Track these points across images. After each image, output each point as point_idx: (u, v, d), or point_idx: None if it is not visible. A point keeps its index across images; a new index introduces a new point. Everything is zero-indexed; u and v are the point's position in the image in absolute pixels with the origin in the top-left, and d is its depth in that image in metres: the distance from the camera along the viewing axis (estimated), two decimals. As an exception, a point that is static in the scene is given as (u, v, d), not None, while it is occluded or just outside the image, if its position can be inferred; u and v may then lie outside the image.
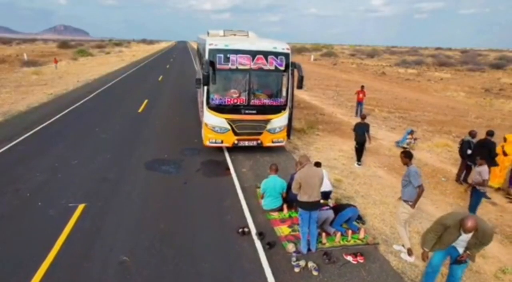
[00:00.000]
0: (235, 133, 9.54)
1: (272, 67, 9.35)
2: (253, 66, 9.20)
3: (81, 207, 6.78)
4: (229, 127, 9.46)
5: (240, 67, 9.15)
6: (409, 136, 12.33)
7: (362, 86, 17.41)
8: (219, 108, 9.36)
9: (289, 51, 9.47)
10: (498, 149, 8.99)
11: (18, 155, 9.61)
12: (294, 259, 5.27)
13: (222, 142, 9.66)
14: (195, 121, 13.66)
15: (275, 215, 6.72)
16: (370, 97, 24.37)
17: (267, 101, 9.60)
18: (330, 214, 6.07)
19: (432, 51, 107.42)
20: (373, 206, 7.74)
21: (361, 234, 6.08)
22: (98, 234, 5.92)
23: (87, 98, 18.73)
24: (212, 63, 9.04)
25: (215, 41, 9.20)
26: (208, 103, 9.37)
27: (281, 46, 9.43)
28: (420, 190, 5.41)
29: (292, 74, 9.93)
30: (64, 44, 79.11)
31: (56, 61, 35.40)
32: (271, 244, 5.70)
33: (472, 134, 9.28)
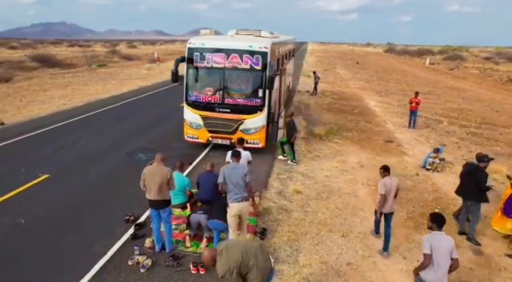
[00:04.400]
0: (208, 131, 9.73)
1: (247, 66, 9.16)
2: (227, 65, 9.21)
3: (44, 177, 8.22)
4: (202, 124, 9.72)
5: (215, 65, 9.29)
6: (433, 155, 10.12)
7: (417, 93, 14.96)
8: (195, 105, 9.71)
9: (266, 50, 9.10)
10: (507, 187, 6.74)
11: (55, 134, 11.97)
12: (136, 252, 5.32)
13: (197, 138, 9.98)
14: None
15: (178, 211, 6.75)
16: (459, 108, 20.55)
17: (241, 100, 9.45)
18: (201, 218, 5.78)
19: None
20: (300, 224, 6.89)
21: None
22: (30, 199, 7.15)
23: (154, 92, 21.54)
24: (191, 61, 9.46)
25: (195, 40, 9.57)
26: (186, 99, 9.83)
27: (258, 45, 9.13)
28: None
29: (279, 75, 9.53)
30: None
31: (158, 60, 41.09)
32: (137, 236, 5.85)
33: (478, 157, 7.18)
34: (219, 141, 9.84)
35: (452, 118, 17.47)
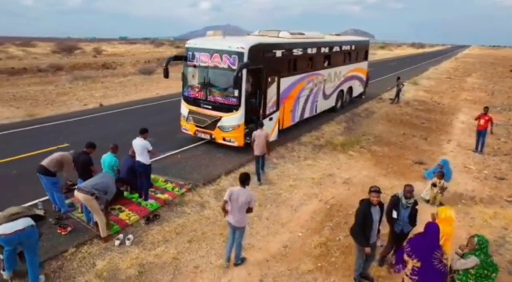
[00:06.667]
0: (195, 125, 10.46)
1: (226, 66, 9.46)
2: (210, 64, 9.74)
3: (65, 145, 10.63)
4: (187, 117, 10.54)
5: (201, 64, 9.96)
6: (435, 179, 8.04)
7: (486, 108, 11.67)
8: (187, 100, 10.62)
9: (243, 51, 9.16)
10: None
11: (112, 116, 14.88)
12: (40, 207, 6.77)
13: (188, 130, 10.82)
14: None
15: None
16: None
17: (219, 98, 9.81)
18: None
19: None
20: (200, 221, 7.04)
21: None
22: (39, 158, 9.53)
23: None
24: (186, 59, 10.42)
25: (192, 41, 10.46)
26: (182, 94, 10.82)
27: (237, 45, 9.28)
28: None
29: (265, 75, 9.62)
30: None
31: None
32: (58, 197, 7.24)
33: (407, 191, 5.73)
34: (202, 135, 10.46)
35: None
